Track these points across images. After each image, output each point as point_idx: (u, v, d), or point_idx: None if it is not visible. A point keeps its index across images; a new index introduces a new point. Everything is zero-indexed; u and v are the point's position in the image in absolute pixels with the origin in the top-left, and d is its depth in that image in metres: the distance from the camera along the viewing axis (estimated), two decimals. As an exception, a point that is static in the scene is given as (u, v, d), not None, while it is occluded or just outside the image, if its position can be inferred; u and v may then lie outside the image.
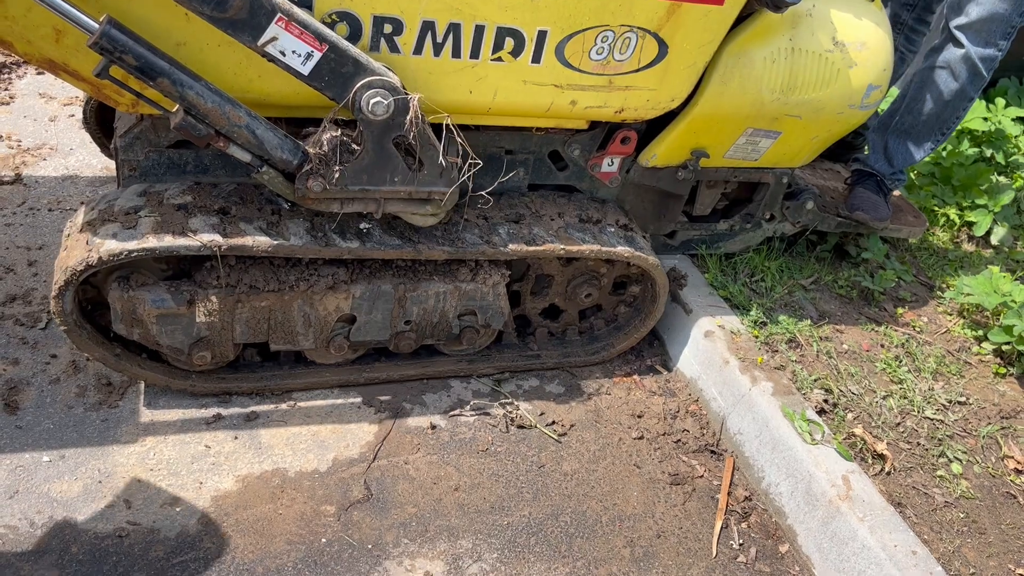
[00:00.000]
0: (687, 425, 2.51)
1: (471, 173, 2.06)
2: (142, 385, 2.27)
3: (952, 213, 3.53)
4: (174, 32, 1.78)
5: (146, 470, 2.06)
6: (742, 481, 2.36)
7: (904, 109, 2.96)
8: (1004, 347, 2.74)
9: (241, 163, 1.91)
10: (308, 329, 2.21)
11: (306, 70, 1.81)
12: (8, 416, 2.12)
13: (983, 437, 2.44)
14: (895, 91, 3.42)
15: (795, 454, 2.22)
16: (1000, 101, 3.93)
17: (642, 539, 2.15)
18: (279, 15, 1.72)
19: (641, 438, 2.44)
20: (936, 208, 3.57)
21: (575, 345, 2.67)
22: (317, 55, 1.79)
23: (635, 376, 2.66)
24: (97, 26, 1.64)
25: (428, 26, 1.92)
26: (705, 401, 2.56)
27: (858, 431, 2.31)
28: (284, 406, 2.31)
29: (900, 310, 2.94)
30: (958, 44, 2.77)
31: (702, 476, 2.35)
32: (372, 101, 1.85)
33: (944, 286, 3.13)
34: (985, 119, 3.85)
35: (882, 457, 2.27)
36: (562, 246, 2.29)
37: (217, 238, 1.96)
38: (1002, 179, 3.73)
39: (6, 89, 3.64)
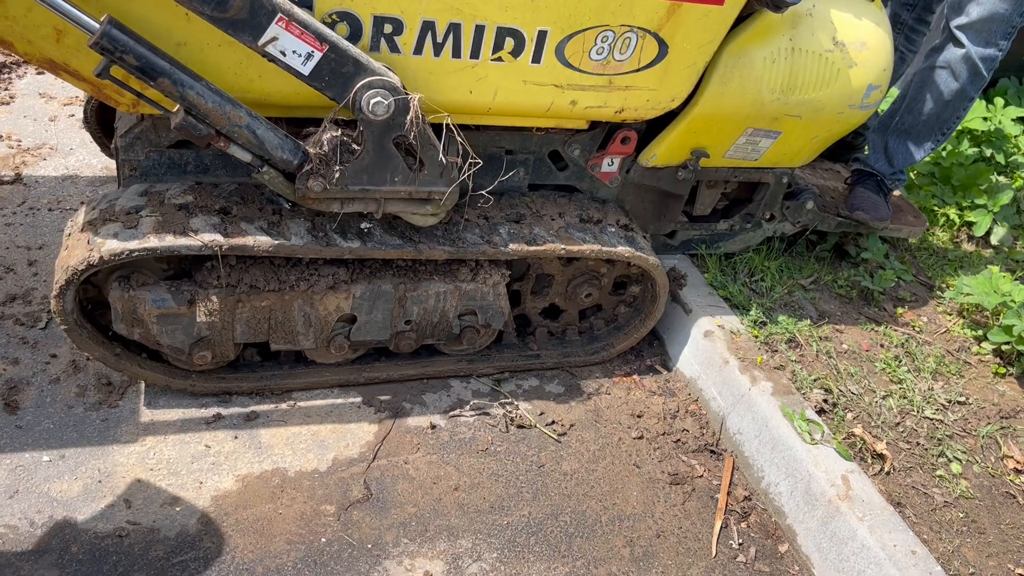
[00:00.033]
0: (687, 425, 2.51)
1: (471, 173, 2.06)
2: (142, 385, 2.27)
3: (952, 213, 3.53)
4: (175, 32, 1.78)
5: (146, 470, 2.06)
6: (742, 481, 2.37)
7: (904, 109, 2.96)
8: (1004, 347, 2.74)
9: (242, 163, 1.91)
10: (308, 329, 2.21)
11: (306, 70, 1.81)
12: (8, 416, 2.13)
13: (982, 437, 2.44)
14: (895, 91, 3.42)
15: (795, 454, 2.22)
16: (1000, 101, 3.92)
17: (642, 539, 2.15)
18: (279, 15, 1.72)
19: (641, 438, 2.44)
20: (936, 208, 3.57)
21: (575, 345, 2.67)
22: (317, 55, 1.79)
23: (635, 376, 2.66)
24: (98, 26, 1.64)
25: (428, 26, 1.92)
26: (705, 401, 2.56)
27: (858, 431, 2.31)
28: (284, 406, 2.31)
29: (900, 310, 2.94)
30: (958, 44, 2.77)
31: (702, 476, 2.36)
32: (372, 101, 1.86)
33: (944, 286, 3.13)
34: (985, 119, 3.85)
35: (882, 457, 2.27)
36: (563, 246, 2.29)
37: (218, 238, 1.96)
38: (1002, 179, 3.73)
39: (6, 89, 3.64)
